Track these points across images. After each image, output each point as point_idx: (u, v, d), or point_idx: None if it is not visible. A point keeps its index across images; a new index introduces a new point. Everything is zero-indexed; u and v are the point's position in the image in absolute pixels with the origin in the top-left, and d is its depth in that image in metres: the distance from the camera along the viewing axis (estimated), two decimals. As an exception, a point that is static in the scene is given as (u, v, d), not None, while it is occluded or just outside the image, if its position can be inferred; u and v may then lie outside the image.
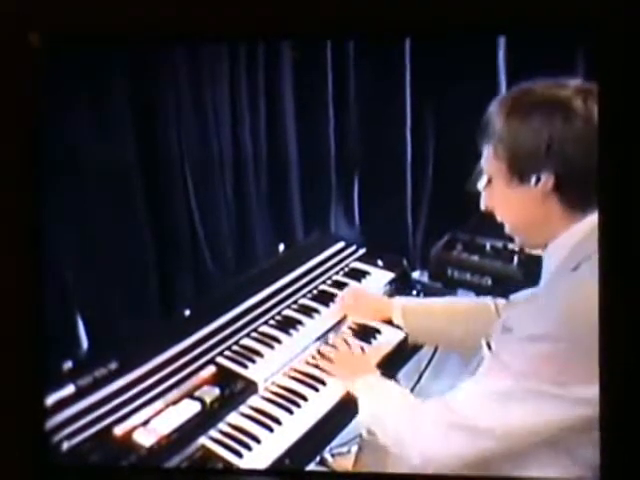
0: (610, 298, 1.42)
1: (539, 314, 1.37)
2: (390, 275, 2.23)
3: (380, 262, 2.28)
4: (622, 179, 1.53)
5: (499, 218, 1.54)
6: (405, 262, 2.30)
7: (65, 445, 1.59)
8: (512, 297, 1.84)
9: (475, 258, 2.30)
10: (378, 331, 1.98)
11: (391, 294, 2.17)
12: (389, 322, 1.98)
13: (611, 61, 1.52)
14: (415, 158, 3.09)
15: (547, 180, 1.38)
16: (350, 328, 2.02)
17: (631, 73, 1.53)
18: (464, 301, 2.02)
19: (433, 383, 2.15)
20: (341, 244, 2.38)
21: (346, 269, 2.27)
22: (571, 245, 1.41)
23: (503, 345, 1.42)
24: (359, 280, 2.21)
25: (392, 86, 2.96)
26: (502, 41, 2.82)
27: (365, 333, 1.98)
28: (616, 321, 1.47)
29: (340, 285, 2.18)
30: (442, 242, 2.49)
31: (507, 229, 1.54)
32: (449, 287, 2.41)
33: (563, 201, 1.39)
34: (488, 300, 1.87)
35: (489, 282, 2.26)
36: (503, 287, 1.84)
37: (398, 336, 1.96)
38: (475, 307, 1.90)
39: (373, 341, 1.95)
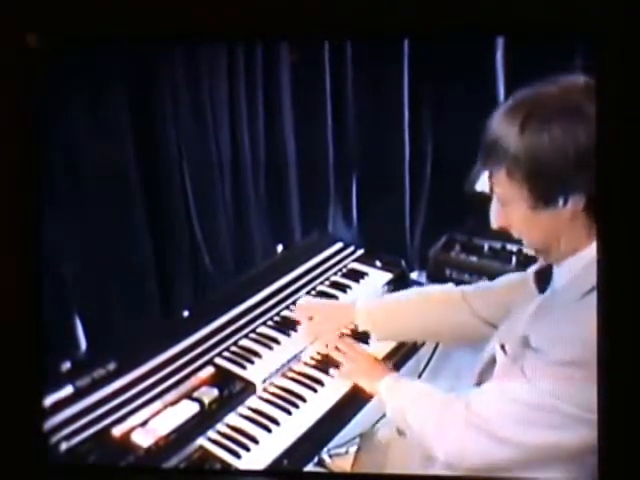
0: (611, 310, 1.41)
1: (565, 337, 1.29)
2: (388, 276, 2.23)
3: (378, 263, 2.28)
4: (621, 183, 1.52)
5: (516, 235, 1.41)
6: (403, 263, 2.30)
7: (64, 445, 1.59)
8: (481, 284, 1.83)
9: (473, 259, 2.30)
10: (376, 332, 1.98)
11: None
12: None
13: (611, 62, 1.52)
14: (413, 159, 3.09)
15: (578, 200, 1.26)
16: (348, 329, 2.02)
17: (631, 74, 1.52)
18: (429, 291, 1.95)
19: (432, 384, 2.15)
20: (339, 245, 2.38)
21: (344, 270, 2.27)
22: (590, 257, 1.33)
23: (528, 363, 1.35)
24: (357, 281, 2.20)
25: (390, 87, 2.96)
26: (500, 42, 2.83)
27: (363, 334, 1.97)
28: (616, 330, 1.47)
29: (339, 286, 2.18)
30: (440, 243, 2.48)
31: (525, 244, 1.44)
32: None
33: (593, 218, 1.31)
34: (453, 288, 1.85)
35: (487, 283, 2.27)
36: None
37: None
38: (441, 297, 1.85)
39: (371, 342, 1.95)
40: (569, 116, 1.22)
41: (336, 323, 1.95)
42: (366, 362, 1.81)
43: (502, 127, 1.29)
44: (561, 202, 1.26)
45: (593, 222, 1.30)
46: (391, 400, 1.63)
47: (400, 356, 1.93)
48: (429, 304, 1.86)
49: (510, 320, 1.53)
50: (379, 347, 1.93)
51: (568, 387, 1.29)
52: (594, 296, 1.31)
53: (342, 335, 1.94)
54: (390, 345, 1.93)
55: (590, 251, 1.34)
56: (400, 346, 1.94)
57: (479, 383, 1.53)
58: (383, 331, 1.90)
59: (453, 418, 1.45)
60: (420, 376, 2.15)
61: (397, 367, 1.92)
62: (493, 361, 1.48)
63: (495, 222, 1.41)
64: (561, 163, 1.22)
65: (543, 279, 1.45)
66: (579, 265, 1.35)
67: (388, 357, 1.91)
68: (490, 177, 1.36)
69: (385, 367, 1.78)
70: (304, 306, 2.04)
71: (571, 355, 1.28)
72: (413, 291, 2.01)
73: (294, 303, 2.09)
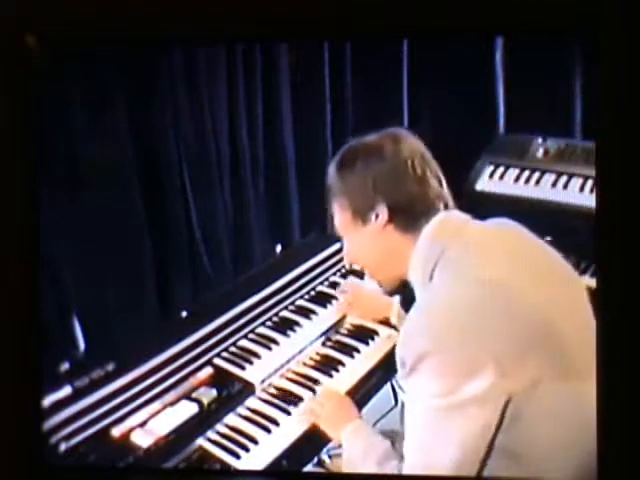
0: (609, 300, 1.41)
1: (411, 336, 1.41)
2: (387, 276, 2.22)
3: (377, 263, 2.28)
4: (622, 184, 1.52)
5: (364, 270, 1.71)
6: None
7: (63, 446, 1.59)
8: None
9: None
10: (376, 332, 1.98)
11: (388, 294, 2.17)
12: (386, 322, 1.99)
13: (610, 61, 1.51)
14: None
15: (383, 213, 1.52)
16: (347, 329, 2.02)
17: (631, 74, 1.52)
18: None
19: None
20: (338, 245, 2.37)
21: (343, 270, 2.27)
22: (422, 261, 1.50)
23: (404, 381, 1.44)
24: (356, 281, 2.21)
25: (389, 88, 2.96)
26: (500, 42, 2.83)
27: (362, 334, 1.98)
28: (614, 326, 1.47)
29: (337, 286, 2.18)
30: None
31: (367, 274, 1.70)
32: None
33: (399, 227, 1.53)
34: None
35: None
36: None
37: (394, 339, 1.96)
38: None
39: (371, 342, 1.95)
40: (364, 156, 1.54)
41: (370, 309, 2.07)
42: (333, 408, 1.76)
43: (330, 173, 1.61)
44: (373, 217, 1.54)
45: (403, 232, 1.53)
46: (348, 450, 1.65)
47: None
48: None
49: None
50: (375, 350, 1.94)
51: (430, 381, 1.36)
52: (429, 285, 1.48)
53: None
54: (387, 347, 1.93)
55: (417, 257, 1.52)
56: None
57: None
58: None
59: None
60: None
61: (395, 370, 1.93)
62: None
63: (346, 261, 1.74)
64: (364, 187, 1.53)
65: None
66: (419, 272, 1.52)
67: (385, 359, 1.91)
68: (334, 218, 1.65)
69: (351, 413, 1.74)
70: (351, 287, 2.18)
71: (418, 351, 1.37)
72: None
73: (293, 303, 2.09)
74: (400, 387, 1.49)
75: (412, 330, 1.42)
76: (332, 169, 1.61)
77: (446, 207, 1.56)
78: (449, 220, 1.54)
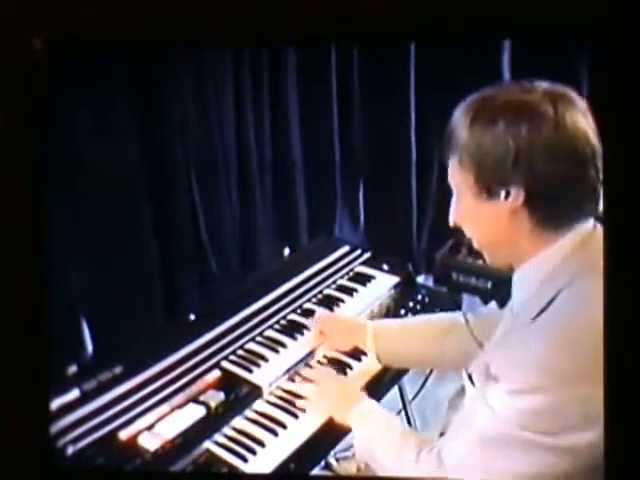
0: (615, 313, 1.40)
1: (522, 365, 1.26)
2: (395, 279, 2.22)
3: (385, 266, 2.27)
4: (626, 185, 1.52)
5: (467, 234, 1.42)
6: (410, 266, 2.29)
7: (70, 449, 1.59)
8: (481, 309, 1.79)
9: (480, 262, 2.29)
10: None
11: (396, 298, 2.17)
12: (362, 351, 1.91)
13: (612, 62, 1.51)
14: (420, 162, 3.09)
15: (517, 195, 1.27)
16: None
17: (632, 74, 1.52)
18: (435, 318, 1.90)
19: (438, 387, 2.15)
20: (346, 248, 2.37)
21: (351, 273, 2.26)
22: (542, 276, 1.32)
23: (491, 393, 1.31)
24: (364, 284, 2.20)
25: (397, 91, 2.96)
26: (507, 44, 2.83)
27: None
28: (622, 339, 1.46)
29: (345, 289, 2.17)
30: (447, 246, 2.48)
31: (475, 244, 1.43)
32: (454, 291, 2.40)
33: (534, 218, 1.29)
34: (458, 314, 1.75)
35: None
36: (507, 291, 1.82)
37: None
38: (445, 324, 1.81)
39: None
40: (511, 114, 1.25)
41: (344, 337, 1.94)
42: (336, 392, 1.74)
43: (458, 119, 1.33)
44: (502, 195, 1.28)
45: (537, 226, 1.30)
46: (358, 433, 1.60)
47: (374, 391, 1.84)
48: (434, 333, 1.82)
49: (484, 348, 1.50)
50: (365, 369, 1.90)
51: (536, 417, 1.24)
52: (544, 319, 1.29)
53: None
54: (374, 369, 1.89)
55: (540, 266, 1.33)
56: (373, 382, 1.88)
57: (451, 407, 1.52)
58: (385, 355, 1.87)
59: (424, 466, 1.43)
60: (426, 380, 2.15)
61: (381, 392, 1.89)
62: (463, 390, 1.46)
63: (451, 218, 1.43)
64: (501, 156, 1.25)
65: (501, 290, 1.48)
66: (536, 281, 1.34)
67: (371, 382, 1.87)
68: (450, 168, 1.39)
69: (357, 395, 1.70)
70: (320, 319, 2.01)
71: (526, 382, 1.25)
72: (421, 317, 2.00)
73: (301, 307, 2.09)
74: (470, 379, 1.39)
75: (525, 356, 1.26)
76: (462, 116, 1.31)
77: (595, 215, 1.32)
78: (594, 237, 1.32)
